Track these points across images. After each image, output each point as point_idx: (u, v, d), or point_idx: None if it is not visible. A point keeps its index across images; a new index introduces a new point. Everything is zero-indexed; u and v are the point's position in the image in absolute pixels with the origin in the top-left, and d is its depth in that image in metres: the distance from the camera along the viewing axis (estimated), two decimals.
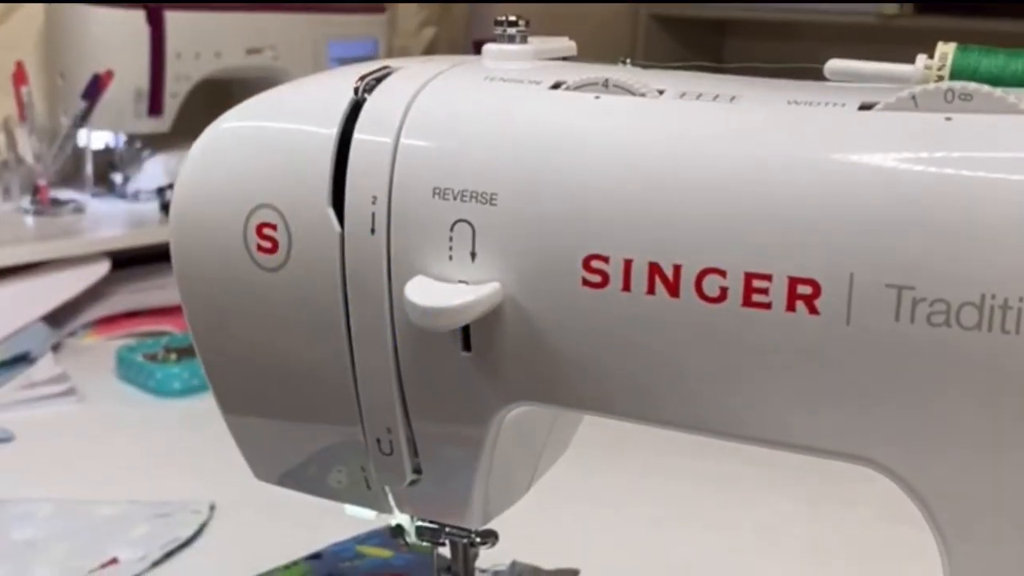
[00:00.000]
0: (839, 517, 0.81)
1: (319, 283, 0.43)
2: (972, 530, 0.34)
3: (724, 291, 0.37)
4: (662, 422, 0.40)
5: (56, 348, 1.13)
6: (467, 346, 0.42)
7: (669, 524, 0.80)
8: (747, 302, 0.36)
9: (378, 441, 0.45)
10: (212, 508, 0.83)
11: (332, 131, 0.43)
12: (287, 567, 0.60)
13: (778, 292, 0.36)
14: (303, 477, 0.50)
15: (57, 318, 1.16)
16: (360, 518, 0.57)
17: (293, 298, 0.44)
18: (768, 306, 0.36)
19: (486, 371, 0.42)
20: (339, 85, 0.43)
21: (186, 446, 0.91)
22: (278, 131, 0.44)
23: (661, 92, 0.40)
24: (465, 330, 0.41)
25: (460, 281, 0.41)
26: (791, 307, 0.36)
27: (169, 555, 0.77)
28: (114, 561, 0.76)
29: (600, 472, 0.86)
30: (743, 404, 0.37)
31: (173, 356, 1.06)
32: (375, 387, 0.44)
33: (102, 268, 1.19)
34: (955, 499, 0.34)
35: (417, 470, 0.46)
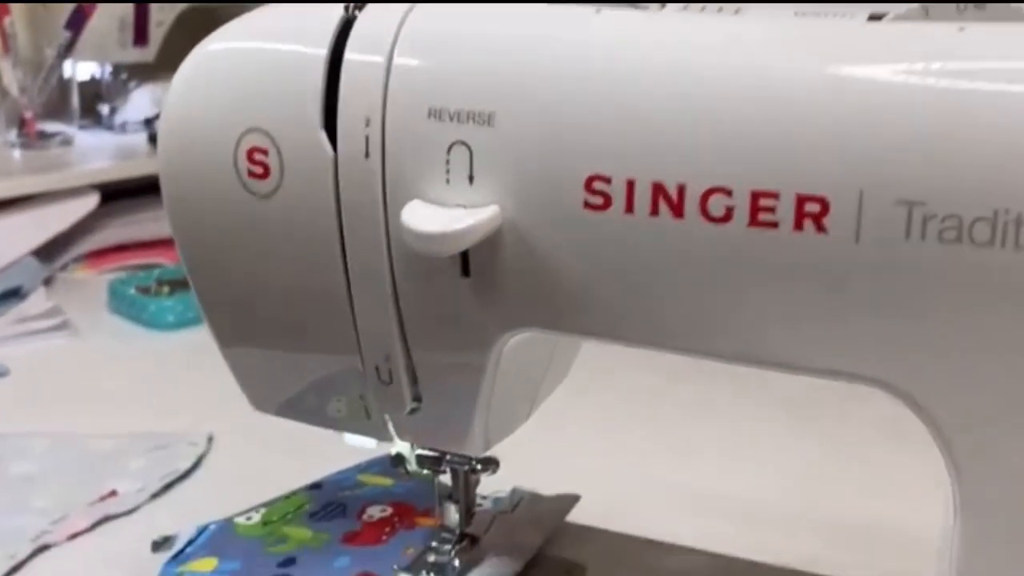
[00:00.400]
0: (840, 439, 0.81)
1: (313, 209, 0.42)
2: (985, 452, 0.33)
3: (730, 211, 0.36)
4: (666, 346, 0.39)
5: (48, 282, 1.13)
6: (466, 272, 0.41)
7: (671, 449, 0.80)
8: (754, 222, 0.35)
9: (377, 369, 0.45)
10: (210, 440, 0.83)
11: (322, 51, 0.41)
12: (287, 497, 0.60)
13: (785, 211, 0.35)
14: (302, 407, 0.49)
15: (48, 252, 1.15)
16: (360, 447, 0.57)
17: (287, 225, 0.43)
18: (775, 225, 0.35)
19: (486, 297, 0.41)
20: (328, 3, 0.42)
21: (182, 379, 0.90)
22: (266, 52, 0.43)
23: (663, 4, 0.39)
24: (464, 255, 0.40)
25: (458, 205, 0.40)
26: (799, 226, 0.35)
27: (168, 487, 0.77)
28: (113, 494, 0.76)
29: (601, 398, 0.86)
30: (749, 327, 0.37)
31: (166, 289, 1.05)
32: (372, 314, 0.43)
33: (91, 201, 1.18)
34: (968, 420, 0.34)
35: (417, 398, 0.46)
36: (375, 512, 0.57)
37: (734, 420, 0.85)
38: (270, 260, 0.44)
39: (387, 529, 0.55)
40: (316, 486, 0.61)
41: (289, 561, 0.53)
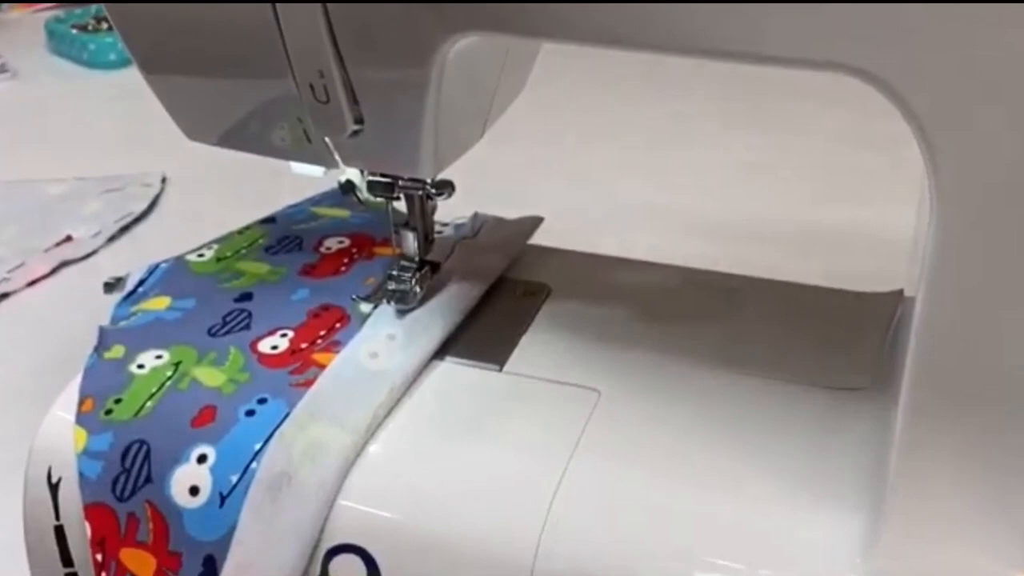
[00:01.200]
0: (808, 148, 0.79)
1: None
2: (965, 143, 0.31)
3: None
4: (624, 43, 0.35)
5: None
6: None
7: (635, 167, 0.78)
8: None
9: (311, 88, 0.41)
10: (163, 180, 0.81)
11: None
12: (240, 232, 0.57)
13: None
14: (240, 135, 0.46)
15: None
16: (308, 176, 0.54)
17: None
18: None
19: None
20: None
21: (129, 119, 0.87)
22: None
23: None
24: None
25: None
26: None
27: (124, 230, 0.75)
28: (68, 239, 0.74)
29: (560, 112, 0.83)
30: (714, 13, 0.33)
31: (105, 25, 0.99)
32: (300, 26, 0.39)
33: None
34: (950, 111, 0.31)
35: (359, 120, 0.42)
36: (332, 244, 0.55)
37: (699, 137, 0.82)
38: None
39: (345, 260, 0.54)
40: (269, 220, 0.58)
41: (245, 296, 0.51)
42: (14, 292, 0.69)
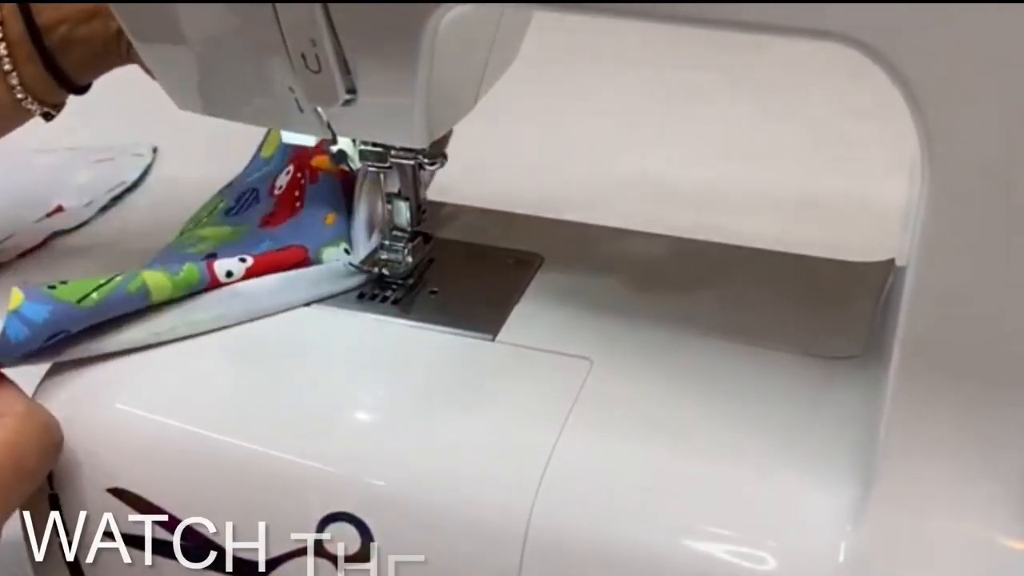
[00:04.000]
0: (806, 120, 0.79)
1: None
2: (957, 112, 0.31)
3: None
4: (613, 9, 0.35)
5: None
6: None
7: (633, 137, 0.78)
8: None
9: (303, 57, 0.41)
10: (155, 150, 0.80)
11: None
12: (203, 206, 0.57)
13: None
14: (233, 105, 0.46)
15: None
16: (299, 144, 0.54)
17: None
18: None
19: None
20: None
21: (118, 88, 0.86)
22: None
23: None
24: None
25: None
26: None
27: (116, 200, 0.75)
28: (59, 210, 0.74)
29: (553, 82, 0.82)
30: None
31: None
32: None
33: None
34: (942, 80, 0.31)
35: (351, 90, 0.42)
36: (282, 180, 0.54)
37: (692, 108, 0.82)
38: None
39: (296, 193, 0.53)
40: (228, 185, 0.58)
41: (210, 256, 0.50)
42: (6, 264, 0.69)
